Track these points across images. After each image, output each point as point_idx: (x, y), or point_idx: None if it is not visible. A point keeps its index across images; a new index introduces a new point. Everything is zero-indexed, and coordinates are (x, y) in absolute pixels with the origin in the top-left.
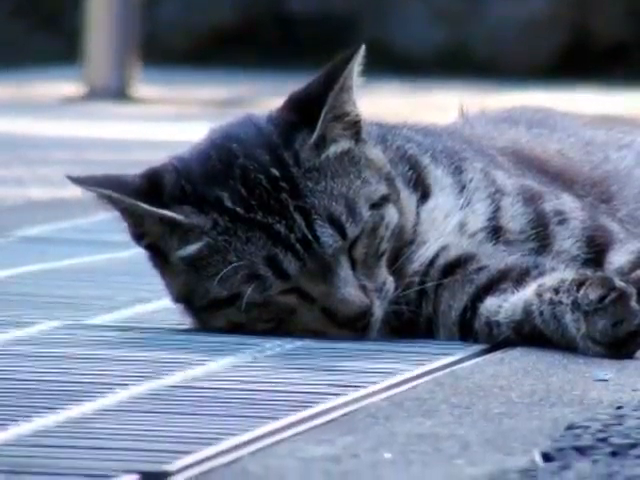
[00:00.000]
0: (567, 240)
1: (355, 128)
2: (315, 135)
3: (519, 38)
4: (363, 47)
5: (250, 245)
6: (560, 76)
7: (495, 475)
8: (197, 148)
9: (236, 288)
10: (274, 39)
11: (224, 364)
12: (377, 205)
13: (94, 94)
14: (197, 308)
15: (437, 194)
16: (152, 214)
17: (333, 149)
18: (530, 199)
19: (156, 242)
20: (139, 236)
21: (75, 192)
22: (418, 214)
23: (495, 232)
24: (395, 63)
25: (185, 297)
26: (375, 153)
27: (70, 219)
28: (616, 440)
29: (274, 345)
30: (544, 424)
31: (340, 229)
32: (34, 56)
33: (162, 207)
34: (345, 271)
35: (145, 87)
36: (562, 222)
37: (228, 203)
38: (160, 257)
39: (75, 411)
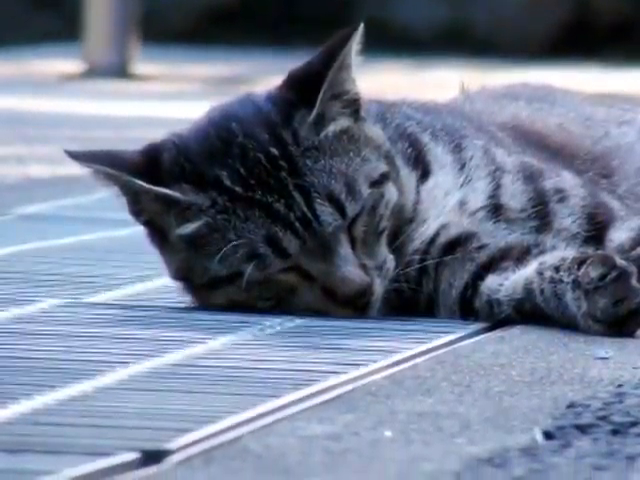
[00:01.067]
0: (567, 218)
1: (354, 106)
2: (314, 113)
3: (520, 16)
4: (362, 25)
5: (249, 224)
6: (561, 54)
7: (496, 453)
8: (196, 126)
9: (236, 267)
10: (274, 17)
11: (225, 342)
12: (377, 183)
13: (94, 72)
14: (196, 286)
15: (437, 172)
16: (149, 192)
17: (332, 127)
18: (530, 177)
19: (154, 219)
20: (137, 213)
21: (75, 170)
22: (418, 192)
23: (495, 210)
24: (395, 41)
25: (184, 275)
26: (374, 131)
27: (70, 197)
28: (616, 418)
29: (275, 323)
30: (544, 402)
31: (340, 207)
32: (34, 34)
33: (160, 185)
34: (345, 250)
35: (145, 65)
36: (562, 200)
37: (227, 182)
38: (158, 234)
39: (75, 389)
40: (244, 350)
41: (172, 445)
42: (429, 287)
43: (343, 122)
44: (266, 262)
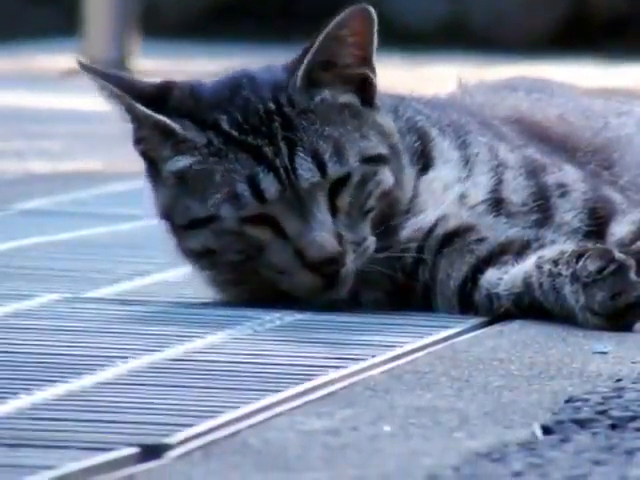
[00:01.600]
0: (569, 212)
1: (363, 87)
2: (299, 77)
3: (518, 10)
4: (371, 9)
5: (237, 165)
6: (559, 48)
7: (495, 448)
8: (216, 79)
9: (215, 208)
10: (273, 11)
11: (224, 337)
12: (371, 160)
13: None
14: (177, 227)
15: (440, 167)
16: (149, 118)
17: (327, 95)
18: (532, 172)
19: (151, 151)
20: (138, 141)
21: (75, 165)
22: (416, 185)
23: (496, 204)
24: (393, 35)
25: (168, 213)
26: (386, 121)
27: (70, 192)
28: (615, 413)
29: (274, 318)
30: (543, 397)
31: (321, 165)
32: (33, 29)
33: (161, 114)
34: (323, 214)
35: (144, 60)
36: (564, 194)
37: (225, 125)
38: (153, 168)
39: (75, 384)
40: (243, 345)
41: (171, 440)
42: (425, 276)
43: (346, 97)
44: (242, 202)
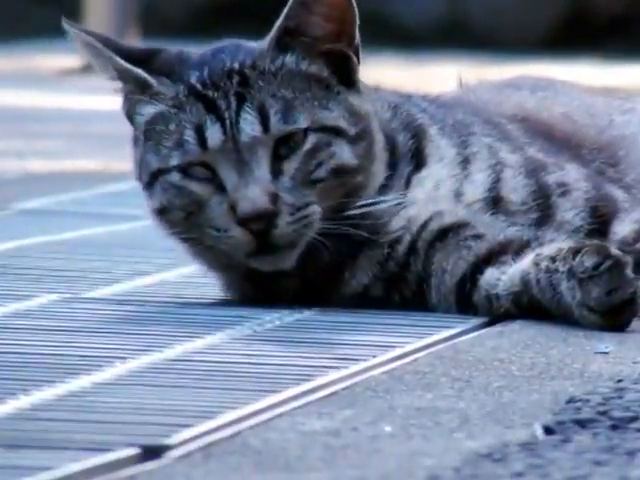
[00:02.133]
0: (570, 211)
1: (336, 62)
2: (267, 40)
3: (518, 9)
4: None
5: (190, 115)
6: (560, 48)
7: (495, 448)
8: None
9: (165, 159)
10: (273, 11)
11: (224, 337)
12: (326, 130)
13: (93, 67)
14: (144, 186)
15: (433, 164)
16: (127, 71)
17: (288, 59)
18: (533, 171)
19: (131, 110)
20: (124, 100)
21: (74, 165)
22: (409, 180)
23: (494, 203)
24: (393, 35)
25: (139, 174)
26: (363, 106)
27: (70, 192)
28: (616, 413)
29: (274, 318)
30: (544, 397)
31: (264, 120)
32: (33, 29)
33: (143, 70)
34: (261, 171)
35: None
36: (565, 193)
37: (192, 79)
38: (134, 131)
39: (74, 384)
40: (243, 345)
41: (171, 440)
42: (417, 267)
43: (314, 67)
44: (186, 148)
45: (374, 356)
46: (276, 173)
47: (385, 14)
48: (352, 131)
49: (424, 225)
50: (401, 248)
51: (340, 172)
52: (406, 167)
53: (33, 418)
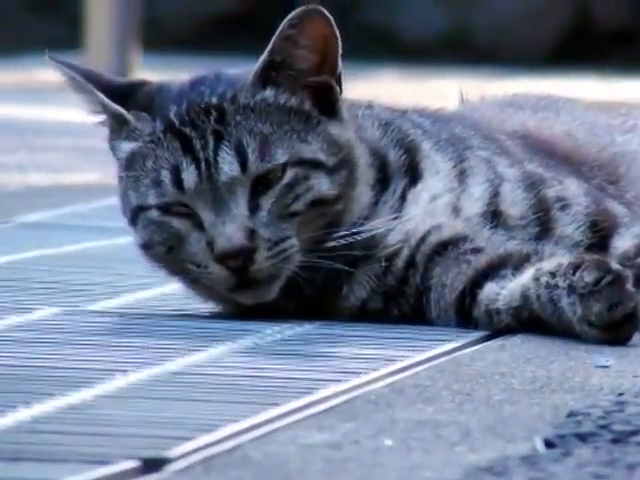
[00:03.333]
0: (569, 226)
1: (320, 92)
2: (251, 74)
3: (521, 24)
4: (322, 9)
5: (167, 153)
6: (562, 62)
7: (496, 462)
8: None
9: (143, 196)
10: (275, 24)
11: (224, 350)
12: (304, 164)
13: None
14: (128, 222)
15: (428, 178)
16: (107, 106)
17: (268, 94)
18: (532, 185)
19: (113, 146)
20: (109, 136)
21: (76, 178)
22: (404, 195)
23: (493, 216)
24: (396, 49)
25: (123, 210)
26: (344, 134)
27: (71, 205)
28: (617, 427)
29: (274, 331)
30: (545, 411)
31: (243, 160)
32: (35, 41)
33: (124, 106)
34: (239, 208)
35: (146, 72)
36: (564, 208)
37: (170, 114)
38: (117, 165)
39: (75, 397)
40: (244, 358)
41: (172, 453)
42: (416, 281)
43: (293, 100)
44: (163, 189)
45: (375, 369)
46: (253, 209)
47: (388, 28)
48: (331, 162)
49: (423, 239)
50: (399, 262)
51: (318, 203)
52: (400, 183)
53: (34, 431)
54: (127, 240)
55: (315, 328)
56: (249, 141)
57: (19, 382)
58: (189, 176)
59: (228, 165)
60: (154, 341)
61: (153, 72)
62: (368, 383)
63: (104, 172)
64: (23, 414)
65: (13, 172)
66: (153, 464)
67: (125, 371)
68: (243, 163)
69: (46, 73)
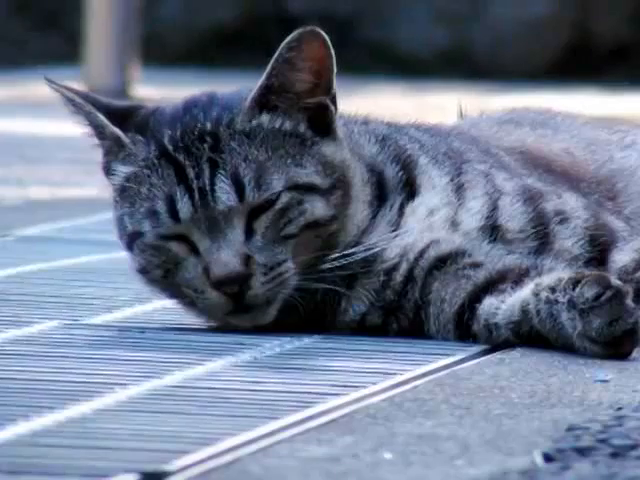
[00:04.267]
0: (568, 239)
1: (315, 113)
2: (248, 99)
3: (520, 39)
4: (317, 29)
5: (161, 181)
6: (561, 78)
7: (495, 476)
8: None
9: (138, 223)
10: (275, 39)
11: (224, 364)
12: (299, 188)
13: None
14: (124, 246)
15: (425, 193)
16: (105, 127)
17: (267, 118)
18: (530, 199)
19: (108, 169)
20: (103, 160)
21: (75, 192)
22: (402, 210)
23: (493, 231)
24: (396, 64)
25: (119, 235)
26: (339, 154)
27: (70, 219)
28: (616, 441)
29: (274, 345)
30: (544, 425)
31: (240, 190)
32: (35, 56)
33: (121, 129)
34: (235, 235)
35: (145, 87)
36: (563, 221)
37: (165, 140)
38: (112, 189)
39: (74, 411)
40: (243, 372)
41: (171, 467)
42: (415, 295)
43: (289, 124)
44: (159, 220)
45: (374, 383)
46: (248, 234)
47: (388, 42)
48: (326, 184)
49: (421, 253)
50: (398, 276)
51: (313, 226)
52: (398, 198)
53: (33, 444)
54: (125, 254)
55: (314, 342)
56: (245, 170)
57: (18, 395)
58: (184, 207)
59: (225, 195)
60: (153, 355)
61: (152, 87)
62: (367, 397)
63: (103, 186)
64: (22, 427)
65: (12, 186)
66: (152, 477)
67: (124, 385)
68: (240, 193)
69: (45, 87)
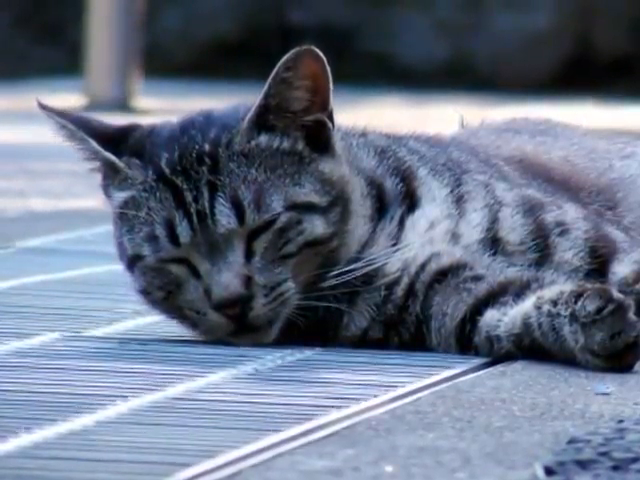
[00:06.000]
0: (569, 251)
1: (313, 130)
2: (246, 119)
3: (521, 51)
4: (314, 49)
5: (160, 204)
6: (562, 90)
7: None
8: (179, 118)
9: (138, 247)
10: (276, 51)
11: (225, 376)
12: (298, 208)
13: (95, 105)
14: (125, 267)
15: (425, 205)
16: (98, 153)
17: (265, 139)
18: (530, 210)
19: (107, 192)
20: (102, 183)
21: (76, 204)
22: (402, 223)
23: (493, 243)
24: (397, 75)
25: (119, 255)
26: (337, 170)
27: (71, 230)
28: (617, 454)
29: (275, 358)
30: (545, 438)
31: (239, 213)
32: (36, 68)
33: (114, 153)
34: (235, 257)
35: (146, 99)
36: (563, 233)
37: (162, 163)
38: (112, 211)
39: (76, 423)
40: (244, 384)
41: (172, 479)
42: (416, 309)
43: (287, 143)
44: (159, 245)
45: (375, 396)
46: (248, 255)
47: (388, 54)
48: (324, 201)
49: (422, 267)
50: (399, 290)
51: (312, 244)
52: (398, 210)
53: (35, 456)
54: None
55: (315, 354)
56: (245, 192)
57: (20, 407)
58: (183, 231)
59: (226, 218)
60: (154, 367)
61: (154, 99)
62: (369, 409)
63: (104, 199)
64: (24, 439)
65: (14, 197)
66: None
67: (125, 397)
68: (240, 216)
69: (47, 98)
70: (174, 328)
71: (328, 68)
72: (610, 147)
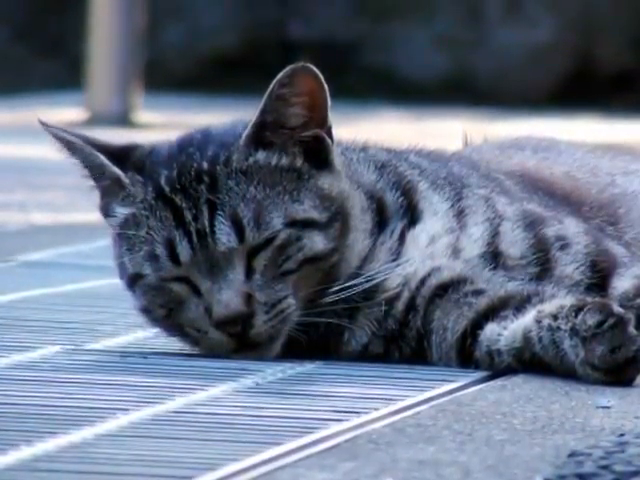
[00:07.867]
0: (569, 265)
1: (312, 146)
2: (243, 136)
3: (522, 66)
4: (309, 65)
5: (160, 223)
6: (563, 104)
7: None
8: (179, 136)
9: (139, 266)
10: (276, 65)
11: (226, 390)
12: (297, 224)
13: (96, 120)
14: (125, 285)
15: (426, 219)
16: (104, 166)
17: (263, 156)
18: (531, 224)
19: (106, 210)
20: (102, 206)
21: (77, 217)
22: (403, 237)
23: (494, 257)
24: (398, 90)
25: (120, 274)
26: (336, 185)
27: (73, 244)
28: (618, 467)
29: (275, 371)
30: (546, 451)
31: (239, 231)
32: (37, 82)
33: (120, 169)
34: (235, 275)
35: (148, 113)
36: (564, 247)
37: (161, 181)
38: (112, 229)
39: (76, 436)
40: (245, 397)
41: None
42: (417, 323)
43: (285, 160)
44: (159, 264)
45: (376, 409)
46: (248, 273)
47: (389, 68)
48: (324, 217)
49: (423, 281)
50: (400, 305)
51: (311, 261)
52: (398, 224)
53: (35, 469)
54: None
55: (316, 368)
56: (244, 210)
57: (21, 420)
58: (183, 250)
59: (226, 237)
60: (155, 380)
61: (155, 113)
62: (369, 422)
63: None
64: (24, 452)
65: (14, 211)
66: None
67: (126, 410)
68: (240, 234)
69: (48, 113)
70: (174, 341)
71: (325, 84)
72: (613, 163)
